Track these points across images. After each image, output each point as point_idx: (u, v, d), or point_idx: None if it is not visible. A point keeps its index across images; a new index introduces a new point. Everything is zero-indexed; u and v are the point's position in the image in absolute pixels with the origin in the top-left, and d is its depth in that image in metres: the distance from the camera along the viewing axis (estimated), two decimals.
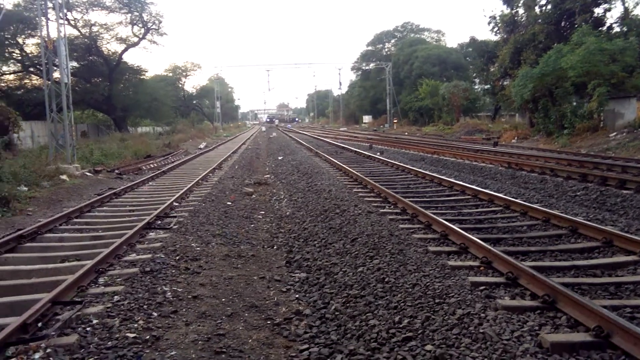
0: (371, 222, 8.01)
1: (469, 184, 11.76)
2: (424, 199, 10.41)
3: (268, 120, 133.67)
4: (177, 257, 6.84)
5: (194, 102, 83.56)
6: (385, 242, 6.87)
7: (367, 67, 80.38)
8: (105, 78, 40.68)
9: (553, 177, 12.95)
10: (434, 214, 8.30)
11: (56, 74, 19.90)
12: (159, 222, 9.01)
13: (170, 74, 76.94)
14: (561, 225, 7.54)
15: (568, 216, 7.69)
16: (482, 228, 7.74)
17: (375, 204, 9.79)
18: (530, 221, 8.03)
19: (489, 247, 6.11)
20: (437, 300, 4.83)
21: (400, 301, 4.97)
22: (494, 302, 4.79)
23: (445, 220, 7.74)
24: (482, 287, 5.21)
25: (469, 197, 10.38)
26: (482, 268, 5.84)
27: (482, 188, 10.97)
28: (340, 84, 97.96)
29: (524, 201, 9.37)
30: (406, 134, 45.85)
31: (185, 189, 12.45)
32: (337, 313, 5.14)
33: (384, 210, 9.26)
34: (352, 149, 24.86)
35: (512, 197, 9.80)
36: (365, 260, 6.35)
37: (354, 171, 14.43)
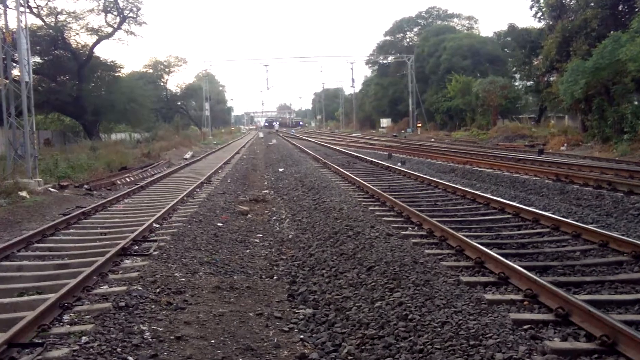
0: (391, 247, 8.01)
1: (509, 200, 11.72)
2: (455, 218, 10.39)
3: (266, 124, 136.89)
4: (158, 290, 6.85)
5: (179, 103, 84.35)
6: (408, 271, 6.86)
7: (385, 61, 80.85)
8: (74, 75, 41.20)
9: (611, 192, 12.88)
10: (466, 236, 8.28)
11: (15, 72, 20.16)
12: (136, 247, 9.09)
13: (151, 71, 77.89)
14: (622, 250, 7.47)
15: (630, 239, 7.63)
16: (526, 254, 7.69)
17: (396, 225, 9.81)
18: (584, 245, 7.98)
19: (535, 277, 6.07)
20: (471, 342, 4.79)
21: (427, 343, 4.94)
22: (541, 345, 4.74)
23: (481, 244, 7.71)
24: (526, 326, 5.17)
25: (510, 216, 10.34)
26: (526, 303, 5.79)
27: (525, 205, 10.93)
28: (353, 80, 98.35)
29: (576, 221, 9.32)
30: (432, 140, 45.93)
31: (168, 207, 12.52)
32: (350, 357, 5.10)
33: (407, 232, 9.27)
34: (368, 158, 24.95)
35: (562, 217, 9.75)
36: (384, 293, 6.33)
37: (369, 185, 14.48)
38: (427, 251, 7.89)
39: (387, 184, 16.02)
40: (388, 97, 77.38)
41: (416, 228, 9.59)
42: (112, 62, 44.93)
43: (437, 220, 9.52)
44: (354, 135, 66.59)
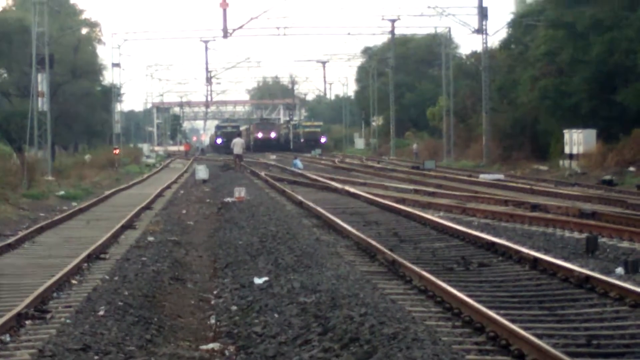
0: None
1: None
2: None
3: (219, 140, 69.84)
4: None
5: None
6: None
7: None
8: None
9: None
10: None
11: None
12: None
13: None
14: None
15: None
16: None
17: None
18: None
19: None
20: None
21: None
22: None
23: None
24: None
25: None
26: None
27: None
28: (485, 15, 38.16)
29: None
30: None
31: None
32: None
33: None
34: (524, 250, 10.04)
35: None
36: None
37: (529, 336, 5.34)
38: None
39: (585, 331, 6.09)
40: (591, 64, 30.63)
41: None
42: None
43: None
44: (486, 177, 28.51)
